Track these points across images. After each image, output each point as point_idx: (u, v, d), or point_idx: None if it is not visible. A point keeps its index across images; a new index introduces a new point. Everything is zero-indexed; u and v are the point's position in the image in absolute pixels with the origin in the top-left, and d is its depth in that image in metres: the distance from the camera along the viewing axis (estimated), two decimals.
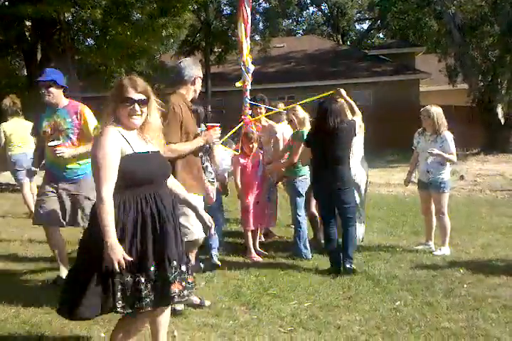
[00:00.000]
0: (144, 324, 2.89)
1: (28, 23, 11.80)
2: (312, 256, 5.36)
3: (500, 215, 7.52)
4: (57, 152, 4.20)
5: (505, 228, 6.67)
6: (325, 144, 4.82)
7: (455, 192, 9.34)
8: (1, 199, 9.30)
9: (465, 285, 4.44)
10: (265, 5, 28.59)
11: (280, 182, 6.10)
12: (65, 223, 4.45)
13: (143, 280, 2.57)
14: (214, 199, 5.10)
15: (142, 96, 2.65)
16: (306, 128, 5.47)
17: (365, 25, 38.98)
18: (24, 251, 5.66)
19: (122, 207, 2.56)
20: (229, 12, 25.31)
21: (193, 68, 3.83)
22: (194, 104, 4.10)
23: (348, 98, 5.35)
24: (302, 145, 5.28)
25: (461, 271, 4.83)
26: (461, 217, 7.13)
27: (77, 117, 4.38)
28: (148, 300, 2.57)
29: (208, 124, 3.99)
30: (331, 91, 5.66)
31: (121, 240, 2.51)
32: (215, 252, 5.13)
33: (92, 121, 4.41)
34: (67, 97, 4.52)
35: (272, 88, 20.01)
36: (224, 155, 5.68)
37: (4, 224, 7.15)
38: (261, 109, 6.29)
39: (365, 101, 19.18)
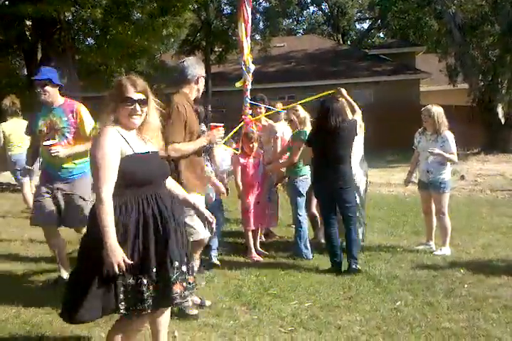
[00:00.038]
0: (143, 325, 2.88)
1: (28, 23, 11.78)
2: (313, 256, 5.36)
3: (501, 215, 7.52)
4: (52, 151, 4.17)
5: (505, 228, 6.66)
6: (327, 143, 4.83)
7: (455, 192, 9.33)
8: (2, 199, 9.30)
9: (466, 286, 4.44)
10: (265, 4, 28.62)
11: (280, 184, 6.10)
12: (61, 223, 4.44)
13: (145, 281, 2.56)
14: (214, 199, 5.12)
15: (142, 96, 2.64)
16: (307, 128, 5.47)
17: (366, 25, 39.02)
18: (25, 251, 5.66)
19: (124, 209, 2.55)
20: (229, 11, 25.31)
21: (196, 67, 3.81)
22: (194, 103, 4.10)
23: (348, 97, 5.36)
24: (302, 145, 5.29)
25: (462, 271, 4.83)
26: (461, 217, 7.13)
27: (73, 116, 4.35)
28: (150, 301, 2.57)
29: (211, 124, 3.99)
30: (332, 91, 5.66)
31: (123, 242, 2.51)
32: (214, 253, 5.14)
33: (88, 120, 4.38)
34: (63, 96, 4.48)
35: (273, 88, 20.02)
36: (224, 156, 5.69)
37: (5, 224, 7.15)
38: (261, 108, 6.29)
39: (366, 100, 19.16)
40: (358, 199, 5.41)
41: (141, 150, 2.65)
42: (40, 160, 4.85)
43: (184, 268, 2.70)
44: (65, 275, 4.46)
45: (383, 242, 5.96)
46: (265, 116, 6.41)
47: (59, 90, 4.44)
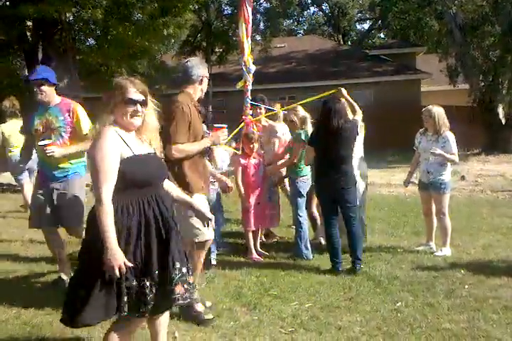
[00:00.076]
0: (140, 325, 2.88)
1: (29, 23, 11.78)
2: (313, 257, 5.36)
3: (501, 216, 7.51)
4: (47, 151, 4.13)
5: (506, 229, 6.65)
6: (329, 143, 4.84)
7: (456, 193, 9.33)
8: (2, 199, 9.31)
9: (466, 286, 4.44)
10: (266, 5, 28.63)
11: (279, 186, 6.10)
12: (58, 223, 4.41)
13: (148, 283, 2.56)
14: (214, 199, 5.12)
15: (143, 97, 2.65)
16: (308, 129, 5.48)
17: (366, 25, 39.02)
18: (25, 252, 5.66)
19: (126, 211, 2.54)
20: (230, 12, 25.33)
21: (200, 67, 3.80)
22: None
23: (349, 98, 5.36)
24: (302, 145, 5.30)
25: (462, 271, 4.83)
26: (462, 218, 7.12)
27: (69, 115, 4.31)
28: (153, 303, 2.57)
29: (215, 126, 3.99)
30: (332, 91, 5.66)
31: (126, 244, 2.51)
32: (214, 256, 5.13)
33: (84, 120, 4.34)
34: (59, 95, 4.44)
35: (273, 88, 20.01)
36: (224, 156, 5.68)
37: (5, 225, 7.16)
38: (261, 109, 6.30)
39: (366, 101, 19.16)
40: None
41: (140, 151, 2.65)
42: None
43: (184, 270, 2.70)
44: (65, 276, 4.46)
45: (384, 243, 5.96)
46: (265, 116, 6.41)
47: (55, 89, 4.41)
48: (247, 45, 5.83)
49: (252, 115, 6.14)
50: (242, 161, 5.50)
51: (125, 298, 2.51)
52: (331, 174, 4.89)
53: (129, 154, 2.58)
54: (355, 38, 38.36)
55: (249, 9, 5.82)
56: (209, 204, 3.91)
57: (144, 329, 3.09)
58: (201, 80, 3.83)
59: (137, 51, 12.40)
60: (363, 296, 4.24)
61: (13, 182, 8.77)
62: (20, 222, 7.03)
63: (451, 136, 5.40)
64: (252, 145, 5.48)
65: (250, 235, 5.49)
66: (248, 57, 5.81)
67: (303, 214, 5.45)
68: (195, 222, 3.53)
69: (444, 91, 22.48)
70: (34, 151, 4.53)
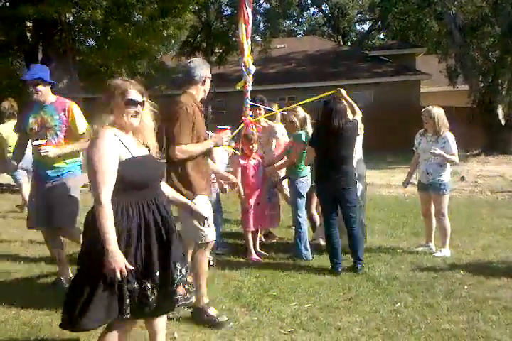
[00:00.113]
0: (134, 325, 2.86)
1: (29, 24, 11.79)
2: (312, 257, 5.36)
3: (501, 216, 7.51)
4: (41, 151, 4.10)
5: (505, 229, 6.66)
6: (330, 144, 4.85)
7: (455, 193, 9.33)
8: (2, 200, 9.31)
9: (465, 287, 4.44)
10: (266, 6, 28.70)
11: (277, 188, 6.10)
12: (51, 225, 4.37)
13: (149, 285, 2.56)
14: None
15: (141, 98, 2.65)
16: (307, 129, 5.48)
17: (366, 26, 39.14)
18: (25, 252, 5.66)
19: (126, 213, 2.53)
20: (229, 13, 25.37)
21: (203, 68, 3.79)
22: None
23: (348, 98, 5.36)
24: (302, 146, 5.30)
25: (462, 272, 4.83)
26: (461, 218, 7.12)
27: (64, 114, 4.28)
28: (155, 305, 2.57)
29: (218, 127, 3.99)
30: (332, 92, 5.67)
31: (127, 247, 2.50)
32: (211, 257, 5.12)
33: (80, 119, 4.31)
34: (54, 93, 4.42)
35: (273, 89, 20.03)
36: (223, 156, 5.68)
37: (5, 225, 7.16)
38: (260, 109, 6.30)
39: (366, 102, 19.18)
40: None
41: (138, 153, 2.64)
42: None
43: (184, 270, 2.70)
44: (65, 276, 4.46)
45: (383, 243, 5.96)
46: (265, 117, 6.42)
47: (51, 88, 4.38)
48: (246, 45, 5.83)
49: (251, 116, 6.15)
50: (242, 162, 5.50)
51: (127, 301, 2.51)
52: (331, 174, 4.89)
53: (128, 156, 2.57)
54: (354, 38, 38.39)
55: (249, 10, 5.82)
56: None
57: (144, 329, 3.09)
58: (204, 81, 3.81)
59: (137, 52, 12.41)
60: (363, 297, 4.24)
61: (13, 183, 8.77)
62: (20, 223, 7.02)
63: (450, 137, 5.40)
64: (251, 146, 5.49)
65: (250, 236, 5.49)
66: (248, 58, 5.81)
67: (302, 214, 5.46)
68: (198, 223, 3.54)
69: (443, 92, 22.50)
70: (30, 151, 4.49)
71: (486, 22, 17.18)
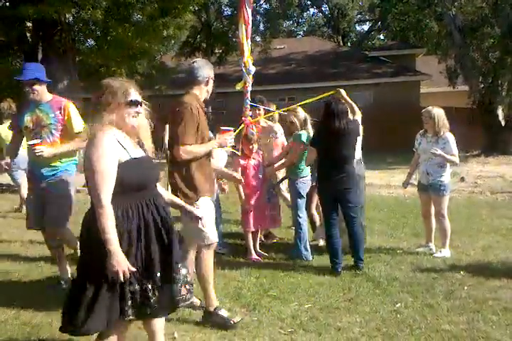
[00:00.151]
0: (128, 327, 2.85)
1: (29, 24, 11.78)
2: (312, 258, 5.36)
3: (501, 217, 7.52)
4: (35, 151, 4.06)
5: (505, 230, 6.66)
6: (332, 144, 4.86)
7: (455, 194, 9.33)
8: (2, 200, 9.31)
9: (465, 288, 4.44)
10: (266, 6, 28.70)
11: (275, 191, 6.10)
12: (44, 225, 4.34)
13: (150, 286, 2.56)
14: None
15: (140, 98, 2.66)
16: (308, 130, 5.48)
17: (366, 27, 39.13)
18: (25, 252, 5.66)
19: (125, 215, 2.52)
20: (229, 13, 25.37)
21: (206, 68, 3.78)
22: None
23: (348, 98, 5.37)
24: (302, 146, 5.30)
25: (462, 273, 4.83)
26: (461, 219, 7.12)
27: (60, 113, 4.25)
28: (157, 306, 2.57)
29: (222, 128, 3.98)
30: (331, 92, 5.67)
31: (128, 248, 2.49)
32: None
33: (76, 118, 4.28)
34: (50, 92, 4.39)
35: (273, 89, 20.01)
36: (222, 155, 5.68)
37: (5, 225, 7.16)
38: (260, 110, 6.31)
39: (366, 102, 19.18)
40: None
41: (135, 154, 2.62)
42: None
43: (184, 271, 2.71)
44: (65, 276, 4.45)
45: (383, 244, 5.96)
46: (264, 117, 6.42)
47: (47, 86, 4.35)
48: (246, 46, 5.82)
49: (251, 116, 6.14)
50: (242, 162, 5.50)
51: (129, 302, 2.50)
52: (333, 174, 4.91)
53: (127, 157, 2.55)
54: (354, 39, 38.39)
55: (249, 10, 5.81)
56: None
57: (142, 329, 3.09)
58: (207, 81, 3.80)
59: (137, 52, 12.39)
60: (363, 297, 4.24)
61: (13, 183, 8.77)
62: (20, 223, 6.99)
63: (451, 137, 5.39)
64: (251, 146, 5.49)
65: (250, 236, 5.49)
66: (248, 59, 5.80)
67: (302, 215, 5.45)
68: (200, 225, 3.54)
69: (443, 92, 22.51)
70: (26, 151, 4.47)
71: (486, 23, 17.19)
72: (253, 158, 5.55)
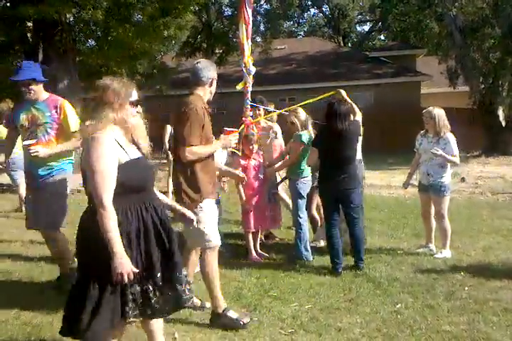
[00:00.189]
0: (124, 328, 2.83)
1: (29, 24, 11.78)
2: (313, 258, 5.35)
3: (501, 218, 7.51)
4: (31, 151, 4.04)
5: (506, 231, 6.65)
6: (333, 145, 4.87)
7: (456, 195, 9.32)
8: (2, 200, 9.31)
9: (466, 288, 4.44)
10: (266, 6, 28.69)
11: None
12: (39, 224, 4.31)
13: (151, 287, 2.55)
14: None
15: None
16: (308, 130, 5.48)
17: (367, 27, 39.06)
18: (25, 252, 5.66)
19: (125, 217, 2.50)
20: (230, 13, 25.37)
21: (210, 69, 3.76)
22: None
23: (348, 99, 5.37)
24: (302, 147, 5.31)
25: (462, 273, 4.83)
26: (462, 220, 7.12)
27: (56, 111, 4.22)
28: (157, 306, 2.56)
29: (226, 129, 3.98)
30: (331, 93, 5.67)
31: (128, 250, 2.47)
32: None
33: (72, 117, 4.25)
34: (46, 90, 4.37)
35: (273, 90, 19.99)
36: (221, 155, 5.67)
37: (6, 225, 7.16)
38: (260, 110, 6.31)
39: (366, 103, 19.15)
40: None
41: (133, 155, 2.61)
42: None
43: (185, 271, 2.71)
44: (65, 276, 4.44)
45: (383, 244, 5.96)
46: (264, 117, 6.42)
47: (43, 85, 4.32)
48: (247, 46, 5.82)
49: (251, 116, 6.14)
50: (242, 162, 5.50)
51: (130, 304, 2.49)
52: (335, 175, 4.91)
53: (126, 158, 2.54)
54: (355, 39, 38.40)
55: (250, 11, 5.81)
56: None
57: (140, 328, 3.08)
58: (211, 82, 3.79)
59: (137, 52, 12.38)
60: (363, 298, 4.24)
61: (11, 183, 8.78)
62: (21, 223, 6.96)
63: (452, 138, 5.39)
64: (251, 147, 5.49)
65: (250, 236, 5.49)
66: (248, 59, 5.80)
67: (303, 215, 5.45)
68: (202, 227, 3.54)
69: (444, 93, 22.51)
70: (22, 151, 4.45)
71: (487, 23, 17.19)
72: (253, 159, 5.55)
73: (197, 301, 3.93)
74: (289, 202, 6.07)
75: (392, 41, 31.91)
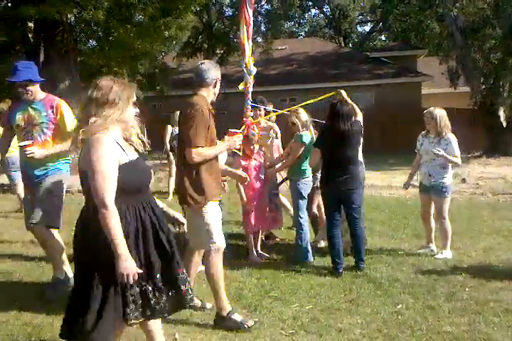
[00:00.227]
0: (123, 329, 2.83)
1: (30, 25, 11.79)
2: (314, 259, 5.35)
3: (502, 218, 7.51)
4: (26, 152, 4.02)
5: (507, 231, 6.65)
6: (336, 145, 4.87)
7: (457, 195, 9.32)
8: (3, 200, 9.31)
9: (467, 289, 4.43)
10: (267, 7, 28.65)
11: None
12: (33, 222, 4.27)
13: (150, 288, 2.55)
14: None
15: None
16: (309, 131, 5.48)
17: (367, 28, 39.01)
18: (26, 253, 5.66)
19: (124, 218, 2.48)
20: (231, 14, 25.37)
21: (214, 70, 3.76)
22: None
23: (348, 99, 5.37)
24: (303, 147, 5.31)
25: (463, 274, 4.82)
26: (462, 220, 7.12)
27: (53, 111, 4.21)
28: (157, 307, 2.56)
29: (230, 131, 3.97)
30: (332, 93, 5.67)
31: (128, 250, 2.45)
32: None
33: (68, 117, 4.22)
34: (43, 90, 4.36)
35: (274, 90, 20.02)
36: (221, 155, 5.67)
37: (6, 225, 7.16)
38: (260, 110, 6.32)
39: (367, 103, 19.14)
40: None
41: (133, 156, 2.61)
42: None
43: (185, 271, 2.71)
44: (65, 276, 4.44)
45: (384, 245, 5.95)
46: (264, 118, 6.43)
47: (40, 85, 4.32)
48: (248, 46, 5.82)
49: (252, 117, 6.14)
50: (243, 163, 5.49)
51: (131, 306, 2.49)
52: (337, 175, 4.91)
53: (126, 159, 2.54)
54: (356, 40, 38.37)
55: (250, 11, 5.81)
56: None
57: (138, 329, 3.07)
58: (215, 83, 3.78)
59: (138, 53, 12.39)
60: (364, 298, 4.23)
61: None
62: (22, 223, 6.97)
63: (453, 138, 5.38)
64: (252, 147, 5.49)
65: (251, 237, 5.49)
66: (249, 59, 5.80)
67: (304, 215, 5.44)
68: (211, 230, 3.54)
69: (445, 93, 22.51)
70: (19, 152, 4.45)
71: (488, 24, 17.18)
72: (254, 159, 5.55)
73: (197, 302, 3.93)
74: (290, 207, 6.08)
75: (393, 42, 31.90)
